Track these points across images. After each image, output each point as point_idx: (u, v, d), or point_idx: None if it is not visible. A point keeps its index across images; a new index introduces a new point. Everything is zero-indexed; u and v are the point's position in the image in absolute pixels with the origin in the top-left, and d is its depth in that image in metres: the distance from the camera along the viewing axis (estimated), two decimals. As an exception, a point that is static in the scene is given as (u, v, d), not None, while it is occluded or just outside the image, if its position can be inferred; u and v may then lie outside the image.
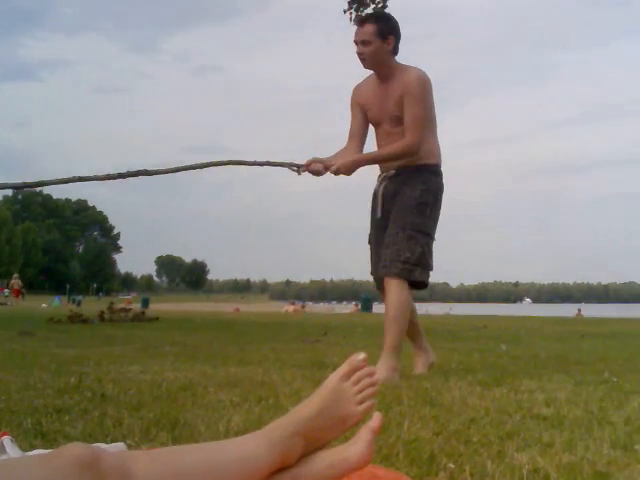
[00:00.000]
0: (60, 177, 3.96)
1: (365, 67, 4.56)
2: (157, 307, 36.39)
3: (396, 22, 4.56)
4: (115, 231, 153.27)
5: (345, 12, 17.43)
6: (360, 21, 4.61)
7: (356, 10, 17.27)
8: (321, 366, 4.83)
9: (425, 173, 4.53)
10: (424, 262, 4.45)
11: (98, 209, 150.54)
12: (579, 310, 30.33)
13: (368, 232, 4.80)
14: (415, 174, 4.51)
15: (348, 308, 50.31)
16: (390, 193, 4.58)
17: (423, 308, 46.35)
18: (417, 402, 3.25)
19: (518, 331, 10.87)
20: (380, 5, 17.20)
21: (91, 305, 34.66)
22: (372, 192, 4.72)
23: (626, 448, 2.29)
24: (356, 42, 4.50)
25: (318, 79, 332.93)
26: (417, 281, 4.46)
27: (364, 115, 4.66)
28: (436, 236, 4.55)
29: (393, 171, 4.57)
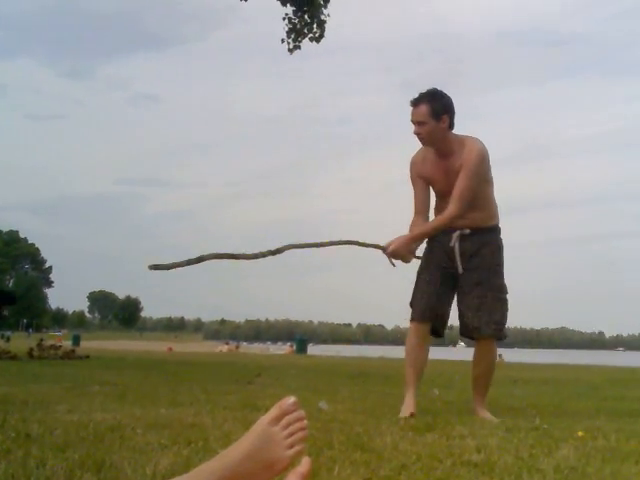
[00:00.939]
0: None
1: (424, 145, 4.84)
2: (88, 344, 35.76)
3: (449, 99, 4.77)
4: (47, 264, 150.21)
5: (283, 42, 17.61)
6: (414, 102, 4.75)
7: (294, 40, 17.48)
8: (253, 408, 4.77)
9: (495, 233, 4.92)
10: (506, 321, 4.87)
11: (30, 241, 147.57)
12: (500, 355, 30.56)
13: (422, 274, 4.96)
14: (489, 235, 4.88)
15: (283, 349, 50.07)
16: (468, 252, 4.83)
17: (358, 350, 46.42)
18: (348, 447, 3.22)
19: (452, 375, 10.89)
20: (317, 35, 17.40)
21: (20, 341, 33.90)
22: (436, 244, 4.90)
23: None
24: (412, 122, 4.73)
25: (257, 108, 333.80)
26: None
27: (428, 188, 4.91)
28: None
29: (468, 230, 4.81)
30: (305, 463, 1.61)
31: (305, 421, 1.66)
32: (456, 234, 4.81)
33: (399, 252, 4.70)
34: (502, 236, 4.93)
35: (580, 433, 3.84)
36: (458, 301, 4.91)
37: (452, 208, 4.69)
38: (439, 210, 4.86)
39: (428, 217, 4.90)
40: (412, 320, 4.95)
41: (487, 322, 4.77)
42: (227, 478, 1.58)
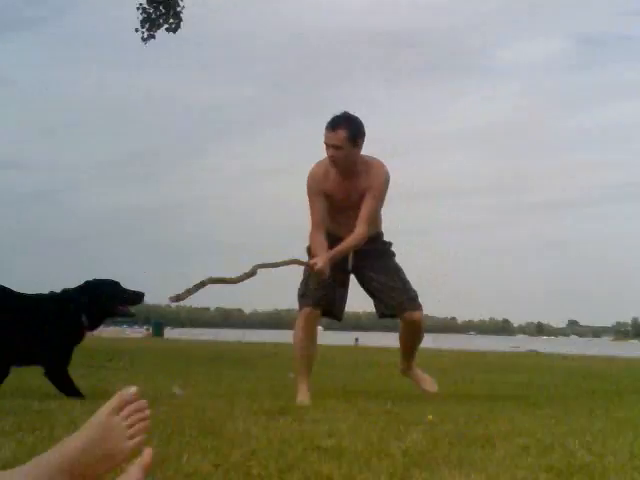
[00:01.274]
0: None
1: (334, 167, 4.91)
2: None
3: (362, 124, 4.92)
4: None
5: (137, 31, 17.26)
6: (332, 126, 4.83)
7: (148, 30, 17.15)
8: (104, 394, 4.62)
9: (382, 235, 5.29)
10: None
11: None
12: (356, 339, 31.14)
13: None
14: (377, 236, 5.22)
15: (139, 332, 49.28)
16: (359, 252, 5.05)
17: (217, 334, 46.18)
18: (200, 433, 3.17)
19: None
20: (174, 26, 17.14)
21: None
22: None
23: (402, 482, 2.31)
24: (327, 145, 4.84)
25: (109, 94, 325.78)
26: None
27: (326, 203, 5.02)
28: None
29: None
30: (146, 454, 1.55)
31: (147, 411, 1.60)
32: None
33: (325, 270, 4.76)
34: None
35: (430, 417, 3.91)
36: (374, 289, 5.18)
37: (363, 229, 4.91)
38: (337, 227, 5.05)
39: (325, 231, 4.99)
40: (305, 306, 5.05)
41: (411, 298, 5.13)
42: (66, 469, 1.50)
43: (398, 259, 5.27)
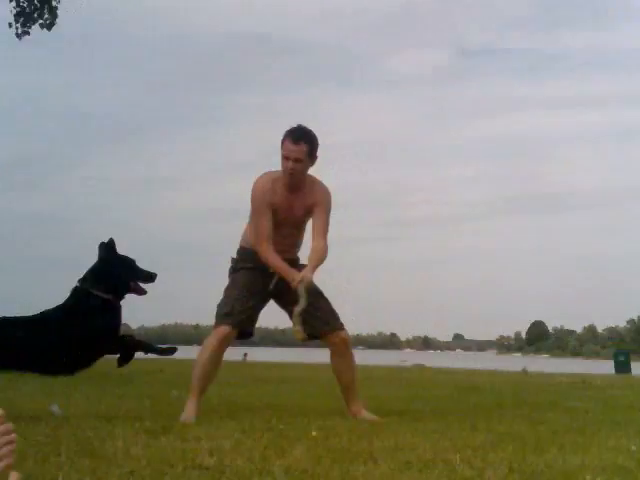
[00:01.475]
0: None
1: (290, 181, 4.95)
2: None
3: (317, 138, 5.02)
4: None
5: (11, 26, 16.79)
6: (295, 139, 4.89)
7: (23, 25, 16.69)
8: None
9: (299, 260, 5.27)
10: None
11: None
12: (245, 354, 30.98)
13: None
14: (297, 259, 5.23)
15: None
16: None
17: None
18: (77, 453, 3.08)
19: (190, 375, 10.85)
20: (48, 22, 16.73)
21: None
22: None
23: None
24: (288, 158, 4.87)
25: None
26: None
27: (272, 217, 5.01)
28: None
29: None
30: (12, 478, 1.48)
31: (13, 434, 1.52)
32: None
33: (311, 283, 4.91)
34: None
35: (314, 433, 3.90)
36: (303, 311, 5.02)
37: (324, 243, 5.04)
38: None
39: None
40: (225, 325, 4.99)
41: (336, 317, 5.14)
42: None
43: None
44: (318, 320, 5.05)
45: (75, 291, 4.54)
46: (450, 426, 4.51)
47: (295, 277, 4.84)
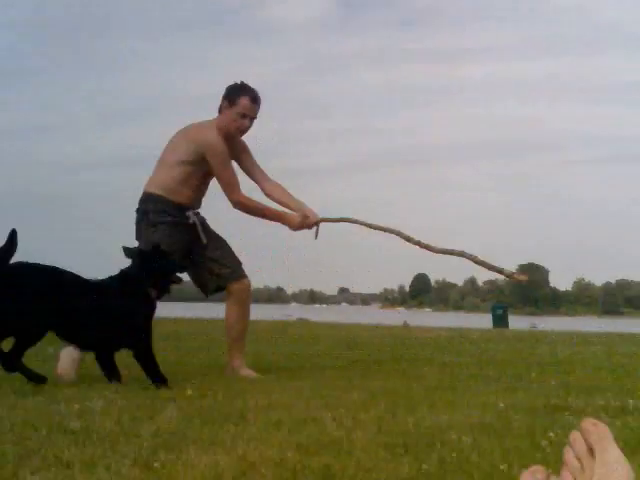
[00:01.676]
0: None
1: (239, 137, 5.18)
2: None
3: None
4: None
5: None
6: (256, 99, 5.08)
7: None
8: None
9: None
10: None
11: None
12: None
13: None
14: None
15: None
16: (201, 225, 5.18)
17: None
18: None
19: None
20: None
21: None
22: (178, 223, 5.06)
23: (147, 465, 2.23)
24: (246, 116, 5.04)
25: None
26: None
27: None
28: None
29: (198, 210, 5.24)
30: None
31: None
32: (194, 212, 5.16)
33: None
34: None
35: (189, 392, 3.86)
36: (207, 261, 5.18)
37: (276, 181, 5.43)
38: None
39: None
40: None
41: (240, 265, 5.26)
42: None
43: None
44: (225, 268, 5.15)
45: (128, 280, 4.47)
46: (326, 383, 4.54)
47: (308, 214, 5.20)
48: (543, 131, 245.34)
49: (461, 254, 4.84)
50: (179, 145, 5.04)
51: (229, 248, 5.27)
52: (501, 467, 2.28)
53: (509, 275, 4.81)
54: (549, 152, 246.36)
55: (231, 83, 5.13)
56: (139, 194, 5.10)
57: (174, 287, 4.71)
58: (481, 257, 4.79)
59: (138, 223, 5.06)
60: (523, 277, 4.96)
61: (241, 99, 5.00)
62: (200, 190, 5.17)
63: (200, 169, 5.02)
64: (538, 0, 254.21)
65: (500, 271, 4.80)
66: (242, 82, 5.08)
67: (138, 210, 5.07)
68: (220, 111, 5.12)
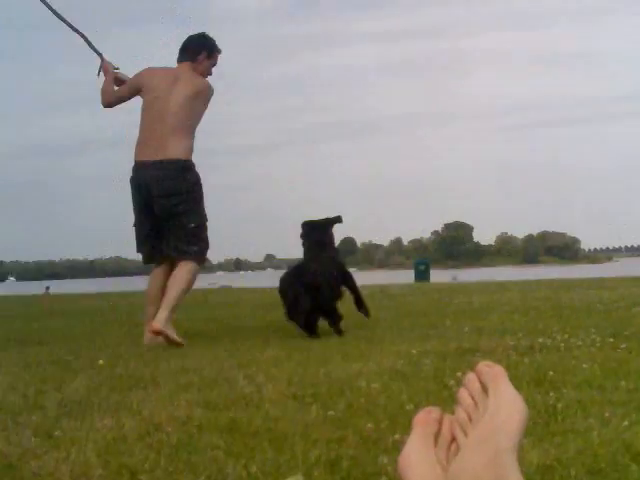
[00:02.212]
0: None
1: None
2: None
3: None
4: None
5: None
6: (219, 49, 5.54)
7: None
8: None
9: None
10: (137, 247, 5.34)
11: None
12: (47, 288, 30.03)
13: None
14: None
15: None
16: None
17: None
18: None
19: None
20: None
21: None
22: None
23: (48, 434, 2.18)
24: (213, 66, 5.49)
25: None
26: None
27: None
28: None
29: None
30: None
31: None
32: None
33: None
34: None
35: (101, 362, 3.79)
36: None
37: None
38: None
39: None
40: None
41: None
42: None
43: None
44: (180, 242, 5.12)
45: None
46: (242, 344, 4.51)
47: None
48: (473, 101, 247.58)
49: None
50: (190, 105, 5.22)
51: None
52: (407, 407, 2.30)
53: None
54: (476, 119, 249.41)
55: (202, 34, 5.52)
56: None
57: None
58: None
59: (188, 193, 5.14)
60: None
61: (216, 53, 5.49)
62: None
63: None
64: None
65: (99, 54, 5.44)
66: (211, 37, 5.52)
67: (182, 178, 5.13)
68: (195, 59, 5.36)
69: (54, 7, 5.29)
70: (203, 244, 5.21)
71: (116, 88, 5.41)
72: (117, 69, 5.46)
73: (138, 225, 5.21)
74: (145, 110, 5.21)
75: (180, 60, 5.38)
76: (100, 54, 5.38)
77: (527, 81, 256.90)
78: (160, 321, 4.72)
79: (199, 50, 5.37)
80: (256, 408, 2.45)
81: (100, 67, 5.39)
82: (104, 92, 5.39)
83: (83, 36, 5.35)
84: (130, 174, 5.20)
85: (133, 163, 5.18)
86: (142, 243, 5.22)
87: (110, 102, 5.38)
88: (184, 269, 5.04)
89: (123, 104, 5.43)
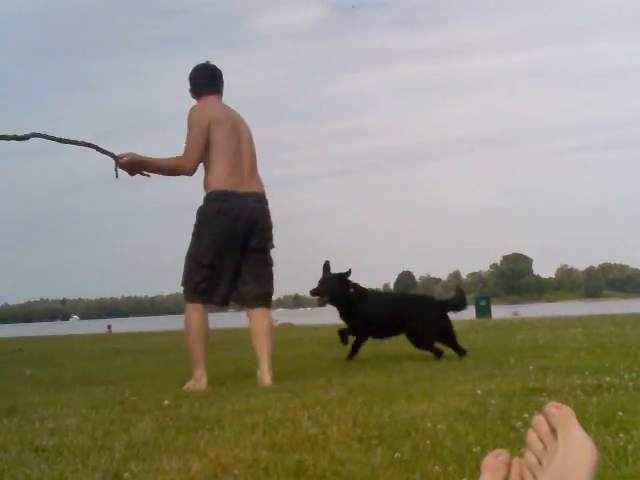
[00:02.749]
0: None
1: None
2: None
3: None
4: None
5: None
6: None
7: None
8: None
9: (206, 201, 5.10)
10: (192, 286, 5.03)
11: None
12: (109, 326, 30.42)
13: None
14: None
15: None
16: None
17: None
18: None
19: (53, 352, 10.53)
20: None
21: None
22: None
23: (117, 476, 2.21)
24: None
25: None
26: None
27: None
28: None
29: None
30: None
31: None
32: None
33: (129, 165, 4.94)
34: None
35: (166, 402, 3.83)
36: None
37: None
38: None
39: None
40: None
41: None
42: None
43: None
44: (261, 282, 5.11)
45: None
46: (306, 384, 4.52)
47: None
48: (525, 123, 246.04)
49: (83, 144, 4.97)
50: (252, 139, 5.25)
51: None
52: (474, 450, 2.27)
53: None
54: (524, 144, 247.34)
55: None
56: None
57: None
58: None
59: (269, 230, 5.19)
60: (124, 157, 4.95)
61: None
62: None
63: None
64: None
65: (111, 154, 4.99)
66: None
67: (262, 211, 5.15)
68: (222, 91, 5.33)
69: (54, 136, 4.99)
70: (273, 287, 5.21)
71: (160, 157, 5.09)
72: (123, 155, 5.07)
73: (218, 260, 5.00)
74: (220, 141, 5.00)
75: (212, 90, 5.25)
76: (112, 154, 4.99)
77: (585, 101, 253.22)
78: (270, 378, 4.87)
79: (222, 82, 5.34)
80: (322, 450, 2.45)
81: (116, 167, 4.97)
82: (168, 168, 5.06)
83: (90, 145, 5.00)
84: (207, 204, 5.03)
85: (216, 192, 5.00)
86: (219, 281, 5.04)
87: (193, 166, 5.04)
88: (268, 316, 5.14)
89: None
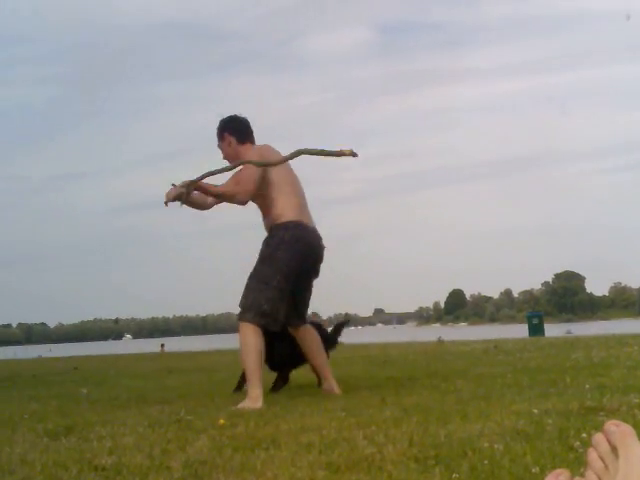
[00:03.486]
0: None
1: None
2: None
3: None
4: None
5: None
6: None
7: None
8: None
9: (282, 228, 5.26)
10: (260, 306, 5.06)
11: None
12: (162, 345, 30.64)
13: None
14: (275, 230, 5.29)
15: None
16: None
17: (13, 352, 44.02)
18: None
19: (108, 371, 10.65)
20: None
21: None
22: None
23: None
24: None
25: None
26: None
27: None
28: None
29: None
30: None
31: None
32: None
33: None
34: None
35: (222, 421, 3.85)
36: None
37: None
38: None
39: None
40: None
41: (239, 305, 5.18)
42: None
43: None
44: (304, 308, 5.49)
45: None
46: (359, 403, 4.52)
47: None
48: (572, 142, 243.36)
49: (298, 153, 4.80)
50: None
51: (248, 284, 5.33)
52: (533, 470, 2.26)
53: (338, 154, 4.62)
54: (570, 161, 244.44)
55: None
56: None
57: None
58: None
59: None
60: (347, 150, 4.84)
61: None
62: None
63: None
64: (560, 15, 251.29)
65: (336, 153, 4.66)
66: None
67: (323, 247, 5.45)
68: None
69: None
70: None
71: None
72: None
73: (285, 285, 5.16)
74: (284, 178, 5.30)
75: (253, 140, 5.49)
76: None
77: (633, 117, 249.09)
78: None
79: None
80: (378, 470, 2.45)
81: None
82: (226, 194, 5.19)
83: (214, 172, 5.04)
84: (286, 231, 5.22)
85: (294, 222, 5.24)
86: (282, 305, 5.19)
87: (249, 196, 5.23)
88: (314, 331, 5.54)
89: None
